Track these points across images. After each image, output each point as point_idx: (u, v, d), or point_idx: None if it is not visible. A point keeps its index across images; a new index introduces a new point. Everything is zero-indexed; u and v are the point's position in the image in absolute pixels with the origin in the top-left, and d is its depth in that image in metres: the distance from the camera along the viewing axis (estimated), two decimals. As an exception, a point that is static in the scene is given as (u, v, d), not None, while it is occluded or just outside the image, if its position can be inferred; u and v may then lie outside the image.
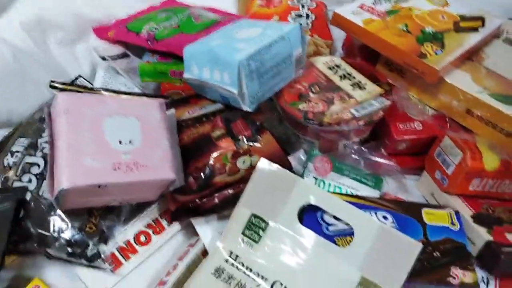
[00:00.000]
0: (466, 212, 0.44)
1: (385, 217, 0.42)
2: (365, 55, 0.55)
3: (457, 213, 0.43)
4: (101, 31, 0.62)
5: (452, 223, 0.42)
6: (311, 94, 0.48)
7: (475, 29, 0.51)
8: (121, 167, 0.36)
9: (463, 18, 0.52)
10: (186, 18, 0.57)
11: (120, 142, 0.37)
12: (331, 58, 0.54)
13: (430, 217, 0.43)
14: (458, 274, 0.38)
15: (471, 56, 0.51)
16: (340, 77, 0.50)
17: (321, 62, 0.53)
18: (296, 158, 0.50)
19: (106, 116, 0.37)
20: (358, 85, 0.48)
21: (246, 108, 0.42)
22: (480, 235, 0.42)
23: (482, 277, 0.42)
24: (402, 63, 0.48)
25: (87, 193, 0.35)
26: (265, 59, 0.42)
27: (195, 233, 0.42)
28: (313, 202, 0.39)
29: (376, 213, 0.42)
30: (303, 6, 0.63)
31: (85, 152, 0.35)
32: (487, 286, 0.42)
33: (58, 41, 0.54)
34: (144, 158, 0.37)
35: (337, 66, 0.51)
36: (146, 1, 0.66)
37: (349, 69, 0.51)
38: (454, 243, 0.41)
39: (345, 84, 0.48)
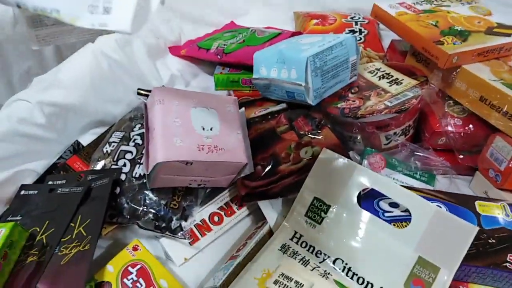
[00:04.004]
0: (521, 206, 0.46)
1: (439, 207, 0.45)
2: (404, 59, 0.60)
3: (510, 205, 0.45)
4: (175, 50, 0.71)
5: (507, 215, 0.44)
6: (350, 95, 0.53)
7: (507, 35, 0.54)
8: (204, 149, 0.42)
9: (500, 25, 0.56)
10: (250, 34, 0.65)
11: (203, 128, 0.43)
12: (372, 63, 0.58)
13: (483, 208, 0.45)
14: (514, 260, 0.40)
15: (499, 57, 0.54)
16: (379, 77, 0.54)
17: (362, 68, 0.58)
18: (351, 157, 0.54)
19: (191, 107, 0.44)
20: (395, 82, 0.52)
21: (310, 102, 0.48)
22: (536, 226, 0.43)
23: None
24: (421, 49, 0.52)
25: (175, 170, 0.42)
26: (327, 60, 0.47)
27: (262, 218, 0.47)
28: (371, 186, 0.43)
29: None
30: (356, 23, 0.69)
31: (175, 134, 0.42)
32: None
33: (143, 56, 0.63)
34: (222, 143, 0.43)
35: (377, 69, 0.56)
36: (210, 27, 0.76)
37: (388, 69, 0.55)
38: (510, 232, 0.42)
39: (383, 83, 0.53)
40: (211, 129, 0.44)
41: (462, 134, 0.52)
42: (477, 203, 0.45)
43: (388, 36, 0.69)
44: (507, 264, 0.40)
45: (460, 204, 0.45)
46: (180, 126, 0.42)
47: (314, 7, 0.78)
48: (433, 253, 0.39)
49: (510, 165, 0.47)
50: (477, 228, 0.38)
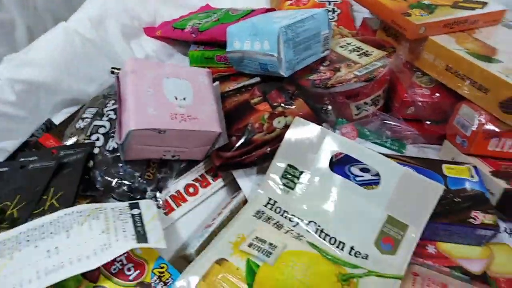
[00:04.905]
0: (486, 169, 0.48)
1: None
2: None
3: (476, 168, 0.47)
4: (150, 30, 0.71)
5: (471, 176, 0.46)
6: (321, 68, 0.54)
7: (471, 9, 0.56)
8: (177, 117, 0.42)
9: (465, 0, 0.58)
10: (224, 13, 0.65)
11: (176, 98, 0.44)
12: (343, 39, 0.59)
13: (450, 171, 0.46)
14: (478, 216, 0.42)
15: (465, 30, 0.56)
16: (350, 51, 0.55)
17: (334, 43, 0.59)
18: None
19: (164, 77, 0.44)
20: (365, 54, 0.54)
21: (283, 73, 0.49)
22: (499, 185, 0.45)
23: (505, 228, 0.45)
24: (390, 22, 0.54)
25: (147, 140, 0.42)
26: (299, 32, 0.48)
27: (237, 188, 0.48)
28: (342, 151, 0.44)
29: (399, 167, 0.46)
30: (329, 3, 0.70)
31: (148, 104, 0.42)
32: (510, 235, 0.45)
33: (117, 35, 0.63)
34: (195, 112, 0.44)
35: (348, 43, 0.57)
36: (186, 8, 0.76)
37: (359, 43, 0.56)
38: (474, 192, 0.44)
39: (353, 56, 0.54)
40: (184, 99, 0.44)
41: (429, 103, 0.53)
42: (444, 166, 0.47)
43: (360, 18, 0.71)
44: (471, 220, 0.41)
45: (428, 168, 0.46)
46: (153, 95, 0.43)
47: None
48: (402, 212, 0.41)
49: (475, 130, 0.48)
50: (443, 187, 0.40)
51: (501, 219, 0.45)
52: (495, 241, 0.43)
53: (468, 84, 0.50)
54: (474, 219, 0.42)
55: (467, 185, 0.45)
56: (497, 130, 0.48)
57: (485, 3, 0.57)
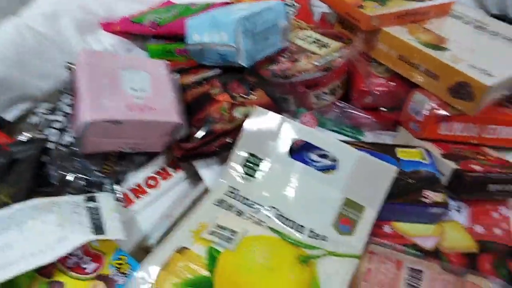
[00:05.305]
0: (437, 152, 0.50)
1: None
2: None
3: (427, 150, 0.49)
4: (108, 26, 0.70)
5: (423, 158, 0.48)
6: (281, 58, 0.55)
7: (422, 1, 0.58)
8: (134, 108, 0.42)
9: None
10: (184, 8, 0.65)
11: (133, 89, 0.43)
12: (303, 32, 0.61)
13: (403, 154, 0.48)
14: (429, 195, 0.44)
15: (416, 21, 0.58)
16: (309, 43, 0.56)
17: (294, 36, 0.60)
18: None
19: (121, 69, 0.44)
20: (324, 45, 0.55)
21: (243, 63, 0.49)
22: (449, 166, 0.47)
23: (455, 206, 0.47)
24: (345, 14, 0.55)
25: (104, 132, 0.41)
26: (257, 23, 0.49)
27: (199, 180, 0.48)
28: (300, 138, 0.45)
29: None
30: (288, -3, 0.71)
31: (103, 95, 0.41)
32: (460, 213, 0.47)
33: (73, 30, 0.61)
34: (154, 103, 0.43)
35: (308, 36, 0.58)
36: (144, 4, 0.75)
37: (318, 36, 0.58)
38: (426, 173, 0.46)
39: (313, 47, 0.55)
40: (142, 90, 0.44)
41: (386, 92, 0.55)
42: (397, 149, 0.49)
43: (319, 13, 0.72)
44: (423, 199, 0.43)
45: (383, 152, 0.48)
46: (109, 86, 0.42)
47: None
48: (359, 194, 0.42)
49: (427, 115, 0.51)
50: (396, 168, 0.42)
51: (451, 198, 0.47)
52: (446, 219, 0.46)
53: (420, 72, 0.52)
54: (426, 198, 0.44)
55: (420, 167, 0.47)
56: (447, 114, 0.50)
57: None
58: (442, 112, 0.50)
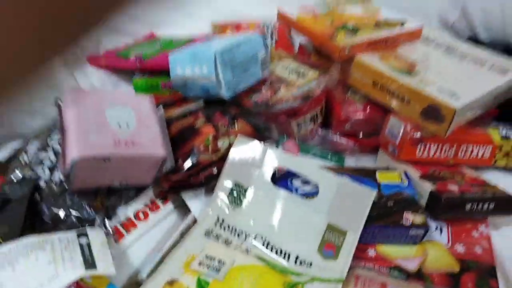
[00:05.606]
0: (415, 174, 0.52)
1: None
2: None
3: (405, 172, 0.51)
4: (93, 60, 0.72)
5: (402, 180, 0.50)
6: (262, 89, 0.57)
7: (392, 28, 0.62)
8: (121, 143, 0.43)
9: (386, 21, 0.64)
10: (167, 41, 0.67)
11: (119, 125, 0.45)
12: (282, 61, 0.63)
13: (383, 177, 0.50)
14: (409, 218, 0.46)
15: (387, 48, 0.61)
16: (288, 72, 0.59)
17: (273, 66, 0.63)
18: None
19: (107, 106, 0.46)
20: (302, 75, 0.58)
21: (224, 94, 0.51)
22: (426, 187, 0.49)
23: (436, 226, 0.49)
24: (319, 45, 0.59)
25: (93, 168, 0.43)
26: (236, 54, 0.51)
27: (188, 211, 0.49)
28: (282, 165, 0.47)
29: (338, 178, 0.50)
30: (267, 30, 0.74)
31: (90, 132, 0.43)
32: (441, 233, 0.49)
33: (60, 66, 0.63)
34: (139, 138, 0.45)
35: (287, 66, 0.61)
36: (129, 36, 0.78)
37: (296, 65, 0.60)
38: (405, 195, 0.48)
39: (291, 76, 0.58)
40: (127, 125, 0.45)
41: (363, 118, 0.58)
42: (377, 173, 0.51)
43: (298, 42, 0.76)
44: (403, 221, 0.45)
45: (363, 176, 0.50)
46: (95, 124, 0.43)
47: (232, 19, 0.83)
48: (340, 219, 0.44)
49: (403, 138, 0.53)
50: (375, 191, 0.44)
51: (431, 219, 0.49)
52: (428, 239, 0.47)
53: (393, 97, 0.55)
54: (406, 220, 0.45)
55: (399, 189, 0.49)
56: (421, 136, 0.53)
57: (403, 22, 0.64)
58: (417, 134, 0.53)
